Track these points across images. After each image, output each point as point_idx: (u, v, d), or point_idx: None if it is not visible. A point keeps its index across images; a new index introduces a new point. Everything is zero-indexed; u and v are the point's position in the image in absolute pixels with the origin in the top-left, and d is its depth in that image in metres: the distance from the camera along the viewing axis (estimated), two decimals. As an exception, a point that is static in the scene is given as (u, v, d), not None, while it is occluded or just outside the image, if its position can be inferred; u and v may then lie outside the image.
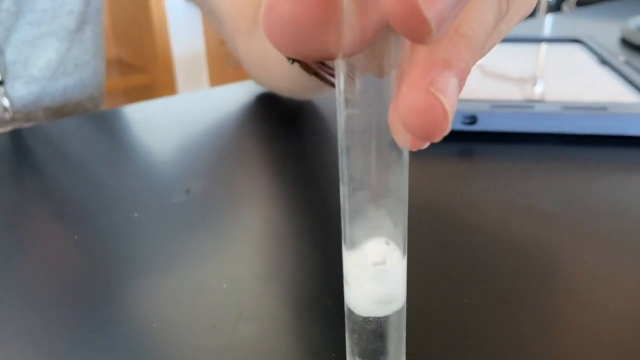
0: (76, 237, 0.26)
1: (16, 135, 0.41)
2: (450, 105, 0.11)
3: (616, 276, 0.23)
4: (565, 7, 0.94)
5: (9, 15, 0.48)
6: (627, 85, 0.41)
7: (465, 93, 0.39)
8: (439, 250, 0.25)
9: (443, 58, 0.11)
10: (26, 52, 0.50)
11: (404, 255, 0.13)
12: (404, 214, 0.12)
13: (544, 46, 0.53)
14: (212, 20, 0.50)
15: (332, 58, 0.12)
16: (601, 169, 0.33)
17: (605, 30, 0.67)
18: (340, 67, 0.11)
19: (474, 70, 0.45)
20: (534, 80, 0.43)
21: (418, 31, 0.10)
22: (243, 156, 0.36)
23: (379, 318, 0.13)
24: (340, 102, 0.12)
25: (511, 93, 0.40)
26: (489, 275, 0.23)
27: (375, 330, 0.13)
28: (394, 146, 0.12)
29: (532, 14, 1.04)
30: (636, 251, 0.24)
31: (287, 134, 0.39)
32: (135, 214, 0.28)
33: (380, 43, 0.11)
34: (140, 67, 1.60)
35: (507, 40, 0.54)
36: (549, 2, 0.99)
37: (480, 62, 0.47)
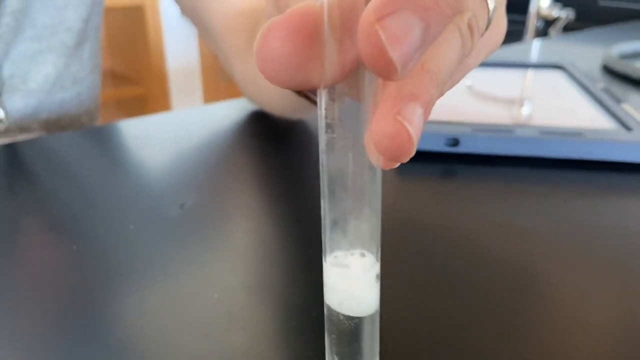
0: (75, 247, 0.27)
1: (12, 149, 0.42)
2: (415, 131, 0.12)
3: (590, 292, 0.24)
4: (552, 32, 0.97)
5: (8, 31, 0.49)
6: (604, 111, 0.43)
7: (450, 115, 0.41)
8: (420, 265, 0.26)
9: (410, 91, 0.12)
10: (25, 66, 0.51)
11: (377, 261, 0.14)
12: (377, 225, 0.14)
13: (528, 71, 0.55)
14: (207, 39, 0.52)
15: (315, 88, 0.13)
16: (576, 192, 0.34)
17: (589, 56, 0.70)
18: (322, 96, 0.13)
19: (464, 92, 0.47)
20: (516, 105, 0.45)
21: (385, 70, 0.11)
22: (236, 172, 0.37)
23: (354, 318, 0.14)
24: (321, 126, 0.13)
25: (494, 116, 0.42)
26: (466, 290, 0.24)
27: (351, 331, 0.14)
28: (369, 165, 0.13)
29: (520, 39, 1.06)
30: (609, 269, 0.26)
31: (277, 151, 0.41)
32: (131, 226, 0.29)
33: (356, 76, 0.13)
34: (134, 79, 1.61)
35: (494, 65, 0.56)
36: (536, 26, 1.02)
37: (469, 84, 0.49)
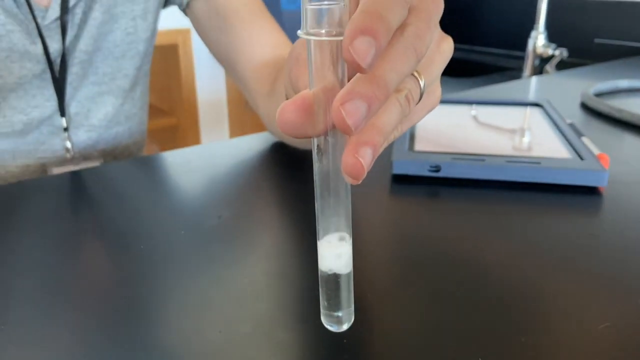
0: (142, 246, 0.37)
1: (77, 176, 0.52)
2: (366, 164, 0.21)
3: (547, 287, 0.33)
4: (548, 68, 1.06)
5: (76, 78, 0.60)
6: (566, 143, 0.51)
7: (432, 146, 0.50)
8: (407, 262, 0.35)
9: (364, 139, 0.21)
10: (88, 106, 0.62)
11: (350, 239, 0.23)
12: (349, 216, 0.23)
13: (512, 108, 0.64)
14: (237, 82, 0.62)
15: (311, 137, 0.22)
16: (534, 208, 0.43)
17: (575, 93, 0.78)
18: (314, 141, 0.22)
19: (471, 121, 0.56)
20: (498, 137, 0.54)
21: (346, 130, 0.20)
22: (261, 191, 0.47)
23: (337, 275, 0.23)
24: (314, 158, 0.22)
25: (473, 146, 0.51)
26: (444, 281, 0.33)
27: (334, 283, 0.23)
28: (342, 180, 0.22)
29: (520, 73, 1.15)
30: (565, 267, 0.34)
31: (294, 175, 0.50)
32: (182, 232, 0.39)
33: (333, 131, 0.22)
34: (168, 110, 1.74)
35: (495, 103, 0.65)
36: (534, 64, 1.11)
37: (474, 114, 0.58)
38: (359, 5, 0.20)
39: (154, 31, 0.64)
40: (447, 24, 1.68)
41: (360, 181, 0.21)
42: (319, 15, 0.19)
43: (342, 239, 0.23)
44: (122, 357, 0.27)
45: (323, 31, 0.19)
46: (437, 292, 0.32)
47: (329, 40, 0.20)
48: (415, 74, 0.24)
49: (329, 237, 0.23)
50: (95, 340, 0.28)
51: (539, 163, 0.46)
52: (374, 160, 0.22)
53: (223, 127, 1.82)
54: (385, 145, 0.23)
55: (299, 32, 0.20)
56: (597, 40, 1.17)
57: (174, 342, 0.28)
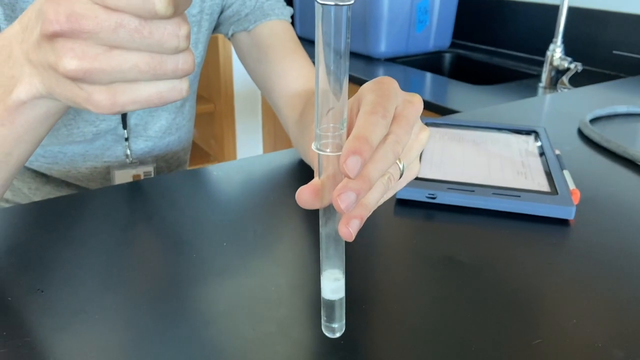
0: (194, 255, 0.48)
1: (135, 185, 0.63)
2: (354, 231, 0.31)
3: (499, 305, 0.43)
4: (564, 80, 1.12)
5: (138, 95, 0.71)
6: (548, 175, 0.60)
7: (433, 173, 0.59)
8: (404, 273, 0.45)
9: (353, 214, 0.31)
10: (146, 119, 0.73)
11: (343, 275, 0.33)
12: (343, 260, 0.33)
13: (510, 136, 0.72)
14: (272, 106, 0.72)
15: (319, 208, 0.32)
16: (511, 234, 0.52)
17: (578, 115, 0.85)
18: (321, 210, 0.32)
19: (469, 146, 0.65)
20: (490, 166, 0.62)
21: (341, 211, 0.30)
22: (291, 208, 0.57)
23: (332, 300, 0.34)
24: (321, 223, 0.32)
25: (468, 175, 0.60)
26: (435, 288, 0.43)
27: (331, 305, 0.34)
28: (340, 236, 0.32)
29: (536, 85, 1.21)
30: (517, 292, 0.44)
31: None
32: (225, 244, 0.49)
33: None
34: (206, 98, 1.85)
35: (492, 127, 0.73)
36: (551, 75, 1.17)
37: (475, 140, 0.67)
38: (353, 130, 0.30)
39: (202, 58, 0.74)
40: (474, 28, 1.73)
41: (352, 240, 0.31)
42: (325, 138, 0.29)
43: (337, 276, 0.34)
44: (173, 346, 0.38)
45: (328, 149, 0.29)
46: (424, 298, 0.42)
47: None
48: (397, 160, 0.34)
49: (329, 273, 0.34)
50: (150, 330, 0.39)
51: (519, 196, 0.55)
52: (362, 225, 0.32)
53: (256, 115, 1.93)
54: (372, 211, 0.33)
55: (312, 145, 0.30)
56: (615, 52, 1.22)
57: (215, 336, 0.39)
